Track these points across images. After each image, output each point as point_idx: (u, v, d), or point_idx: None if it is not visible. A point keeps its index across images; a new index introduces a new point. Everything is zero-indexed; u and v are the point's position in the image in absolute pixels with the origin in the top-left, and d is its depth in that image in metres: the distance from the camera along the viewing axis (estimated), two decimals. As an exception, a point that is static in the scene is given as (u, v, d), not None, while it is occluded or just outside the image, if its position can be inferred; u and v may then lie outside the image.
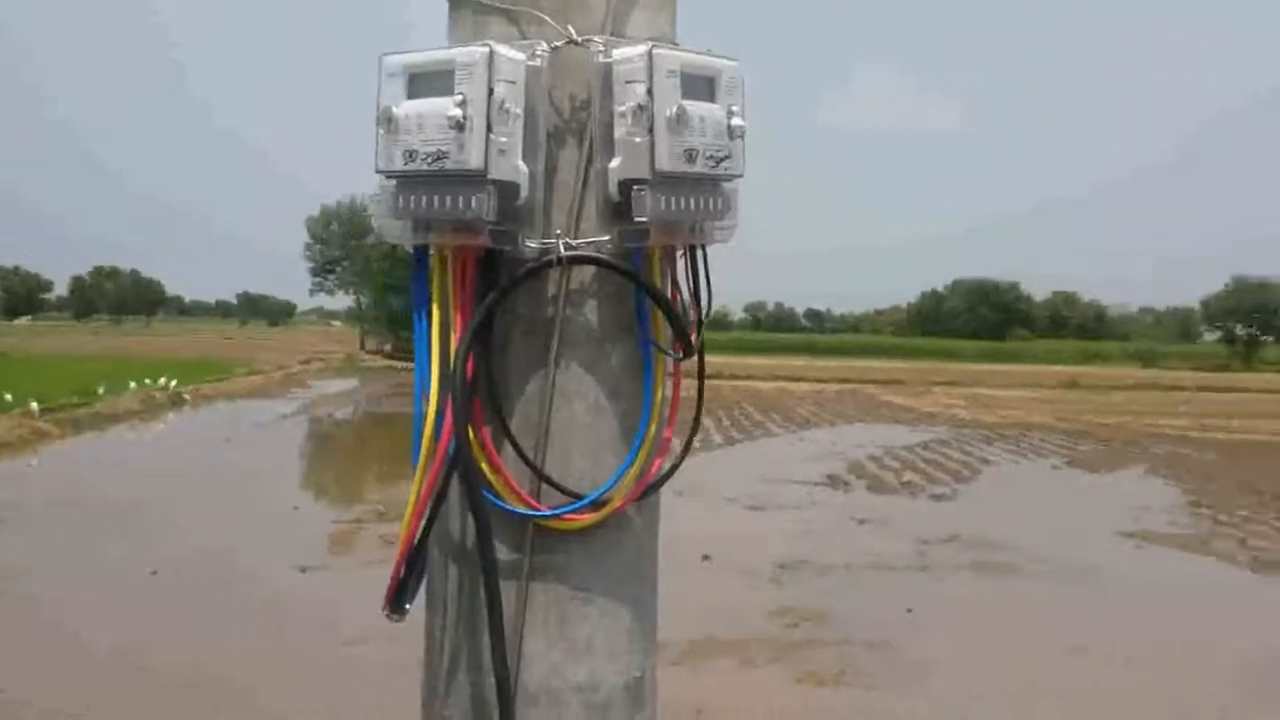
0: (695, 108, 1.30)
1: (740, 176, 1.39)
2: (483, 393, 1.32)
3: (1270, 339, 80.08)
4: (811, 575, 8.66)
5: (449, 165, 1.26)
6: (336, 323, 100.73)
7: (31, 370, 27.01)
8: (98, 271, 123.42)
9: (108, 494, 11.98)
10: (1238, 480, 14.93)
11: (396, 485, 13.49)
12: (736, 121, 1.36)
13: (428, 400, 1.32)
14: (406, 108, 1.30)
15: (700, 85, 1.33)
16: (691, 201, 1.34)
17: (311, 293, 66.45)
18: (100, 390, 21.45)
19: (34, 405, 17.51)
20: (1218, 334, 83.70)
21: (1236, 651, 6.99)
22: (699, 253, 1.42)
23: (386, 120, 1.31)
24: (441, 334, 1.34)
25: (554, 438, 1.33)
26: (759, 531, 10.40)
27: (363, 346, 52.31)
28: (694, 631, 6.64)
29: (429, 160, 1.27)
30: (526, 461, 1.31)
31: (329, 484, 14.73)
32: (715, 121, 1.34)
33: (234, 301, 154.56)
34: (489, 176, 1.24)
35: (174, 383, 24.18)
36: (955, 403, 30.98)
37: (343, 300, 67.47)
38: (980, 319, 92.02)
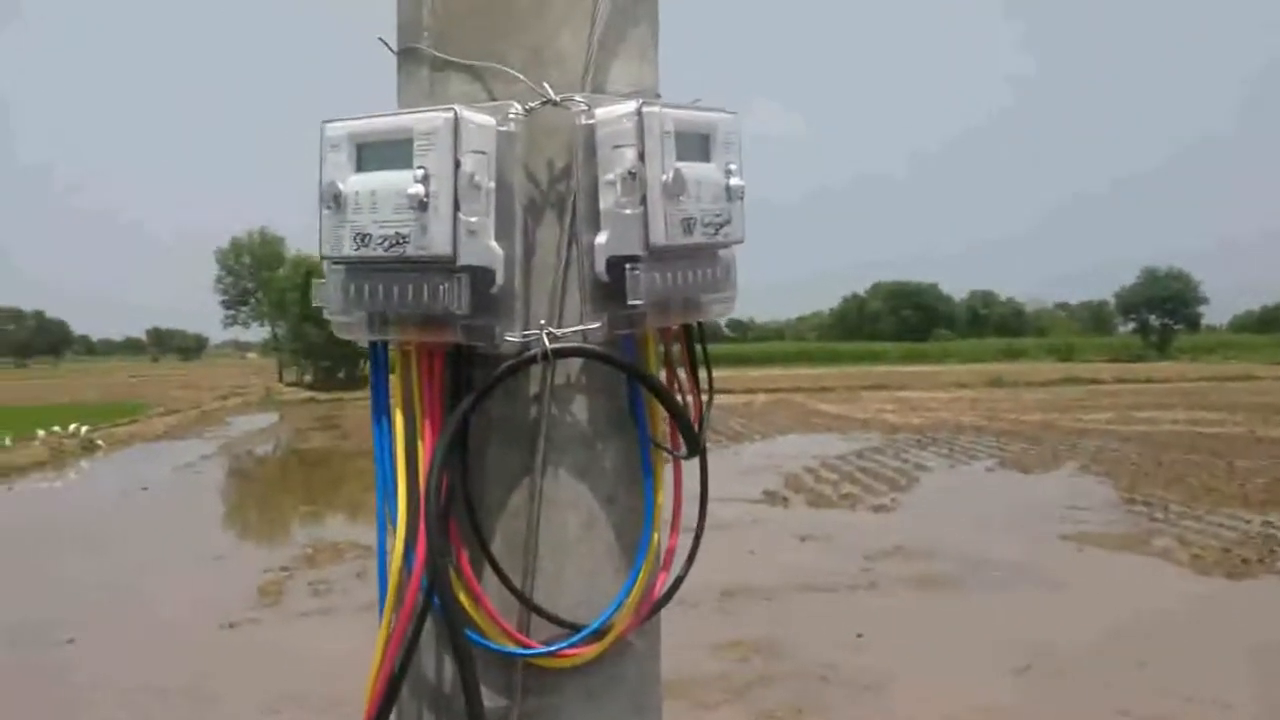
0: (691, 170, 1.12)
1: (741, 242, 1.22)
2: (458, 510, 1.13)
3: (1182, 327, 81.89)
4: (757, 601, 8.51)
5: (410, 251, 1.07)
6: (251, 354, 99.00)
7: (-65, 422, 25.97)
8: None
9: (17, 553, 11.45)
10: (1166, 475, 15.13)
11: (324, 525, 13.15)
12: (735, 181, 1.19)
13: (393, 526, 1.12)
14: (355, 183, 1.11)
15: (694, 144, 1.16)
16: (689, 276, 1.17)
17: (225, 325, 65.20)
18: (6, 440, 20.66)
19: (-62, 460, 16.81)
20: (1132, 325, 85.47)
21: (1187, 658, 6.99)
22: (695, 331, 1.26)
23: (332, 198, 1.11)
24: (407, 445, 1.14)
25: (542, 558, 1.14)
26: (698, 556, 10.19)
27: (281, 378, 51.33)
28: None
29: (386, 245, 1.08)
30: (512, 590, 1.12)
31: (254, 528, 14.30)
32: (713, 184, 1.17)
33: (144, 338, 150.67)
34: (459, 263, 1.05)
35: (85, 428, 23.41)
36: (885, 407, 31.18)
37: (258, 332, 66.26)
38: (902, 320, 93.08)
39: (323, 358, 47.52)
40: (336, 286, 1.14)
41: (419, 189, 1.04)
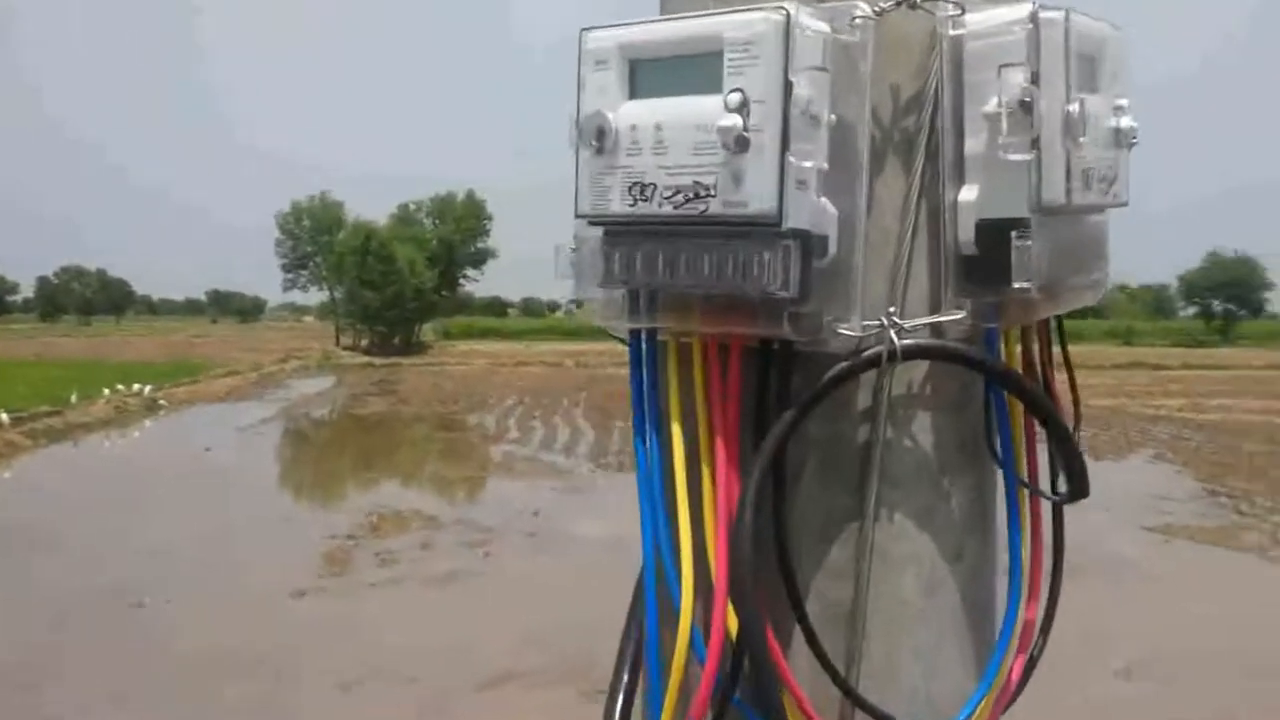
0: (1086, 104, 0.80)
1: (1125, 205, 0.90)
2: (766, 566, 0.83)
3: (1245, 314, 79.71)
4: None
5: (716, 207, 0.75)
6: (308, 318, 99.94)
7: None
8: (64, 272, 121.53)
9: (85, 512, 11.38)
10: (1247, 467, 14.58)
11: (384, 493, 12.99)
12: (1126, 123, 0.86)
13: (678, 581, 0.81)
14: (630, 114, 0.79)
15: (1081, 68, 0.84)
16: (1076, 248, 0.85)
17: (285, 288, 65.43)
18: (72, 398, 20.71)
19: (3, 415, 16.84)
20: (1194, 310, 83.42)
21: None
22: (1055, 325, 0.94)
23: (596, 134, 0.81)
24: (689, 475, 0.84)
25: (871, 634, 0.84)
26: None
27: (338, 342, 51.50)
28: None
29: (679, 199, 0.78)
30: (834, 677, 0.82)
31: (316, 493, 14.16)
32: (1102, 124, 0.85)
33: (204, 299, 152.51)
34: (786, 225, 0.74)
35: (148, 388, 23.49)
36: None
37: (316, 296, 66.59)
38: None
39: (379, 322, 47.70)
40: (594, 255, 0.83)
41: (735, 121, 0.73)
